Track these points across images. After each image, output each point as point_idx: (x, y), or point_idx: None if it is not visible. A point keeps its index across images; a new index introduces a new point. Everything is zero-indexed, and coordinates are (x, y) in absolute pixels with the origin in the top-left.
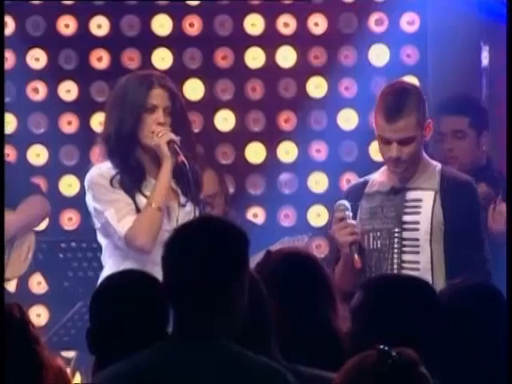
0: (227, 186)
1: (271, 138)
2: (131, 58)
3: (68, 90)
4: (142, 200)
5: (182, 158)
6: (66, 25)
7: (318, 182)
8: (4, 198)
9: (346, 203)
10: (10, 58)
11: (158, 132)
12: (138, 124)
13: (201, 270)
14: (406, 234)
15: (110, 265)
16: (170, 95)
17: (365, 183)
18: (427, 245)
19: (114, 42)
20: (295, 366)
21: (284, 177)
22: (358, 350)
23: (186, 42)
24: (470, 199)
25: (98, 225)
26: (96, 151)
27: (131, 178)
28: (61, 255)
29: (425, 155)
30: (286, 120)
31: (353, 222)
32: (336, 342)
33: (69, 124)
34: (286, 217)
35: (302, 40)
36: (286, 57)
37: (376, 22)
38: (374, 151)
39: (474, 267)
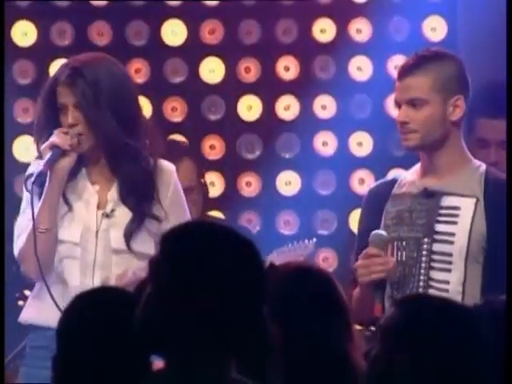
0: (207, 185)
1: (269, 127)
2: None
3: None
4: (79, 205)
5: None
6: None
7: (325, 182)
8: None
9: (384, 235)
10: None
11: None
12: (53, 127)
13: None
14: (436, 247)
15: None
16: (82, 90)
17: (393, 182)
18: (462, 262)
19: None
20: None
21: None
22: (385, 373)
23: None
24: None
25: None
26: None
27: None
28: None
29: (466, 151)
30: (286, 107)
31: (391, 259)
32: (353, 378)
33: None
34: (287, 223)
35: (304, 12)
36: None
37: None
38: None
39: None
